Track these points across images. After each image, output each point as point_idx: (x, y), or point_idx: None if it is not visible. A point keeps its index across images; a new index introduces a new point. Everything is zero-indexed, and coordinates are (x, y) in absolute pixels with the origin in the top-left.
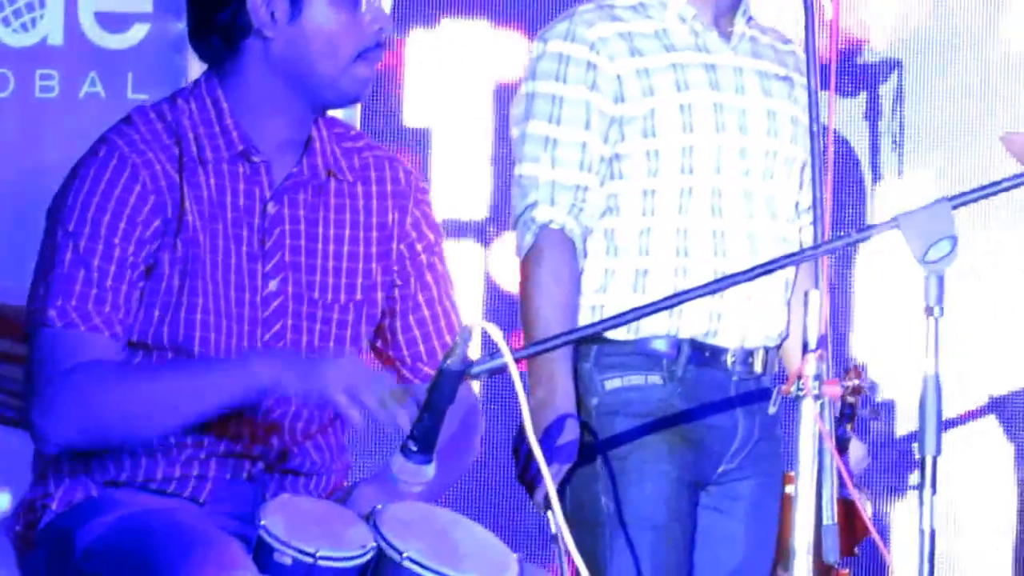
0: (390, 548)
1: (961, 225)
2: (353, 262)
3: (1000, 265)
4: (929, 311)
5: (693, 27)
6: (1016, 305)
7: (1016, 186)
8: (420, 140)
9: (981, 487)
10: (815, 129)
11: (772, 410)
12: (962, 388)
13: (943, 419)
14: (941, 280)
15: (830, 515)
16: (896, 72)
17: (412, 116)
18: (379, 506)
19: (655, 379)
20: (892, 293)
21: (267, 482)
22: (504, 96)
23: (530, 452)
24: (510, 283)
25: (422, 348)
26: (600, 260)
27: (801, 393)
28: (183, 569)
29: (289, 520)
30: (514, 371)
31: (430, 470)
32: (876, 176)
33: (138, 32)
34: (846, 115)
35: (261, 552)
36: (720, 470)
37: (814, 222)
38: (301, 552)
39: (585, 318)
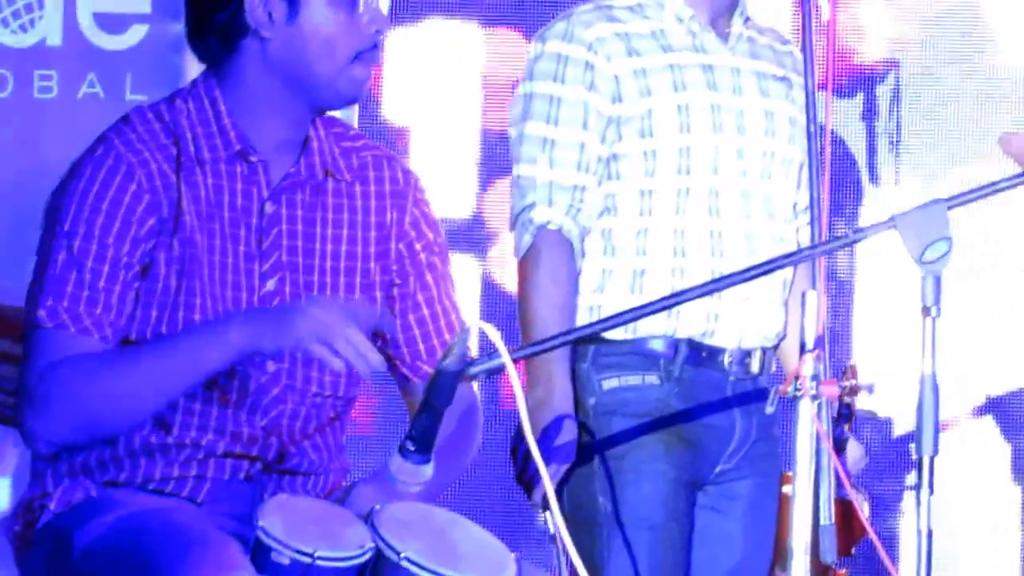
0: (388, 548)
1: (960, 226)
2: (351, 262)
3: (999, 266)
4: (926, 311)
5: (690, 27)
6: (1014, 306)
7: (1013, 187)
8: (399, 138)
9: (979, 487)
10: (812, 129)
11: (770, 410)
12: (960, 389)
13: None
14: (938, 280)
15: (827, 515)
16: (893, 73)
17: (392, 113)
18: (377, 506)
19: (652, 379)
20: (891, 293)
21: (265, 482)
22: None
23: (528, 452)
24: (499, 284)
25: (422, 347)
26: (597, 260)
27: (798, 393)
28: (181, 569)
29: (287, 520)
30: (512, 371)
31: (428, 470)
32: (873, 177)
33: (136, 33)
34: (843, 116)
35: (259, 552)
36: (717, 470)
37: (811, 222)
38: (299, 552)
39: (583, 318)
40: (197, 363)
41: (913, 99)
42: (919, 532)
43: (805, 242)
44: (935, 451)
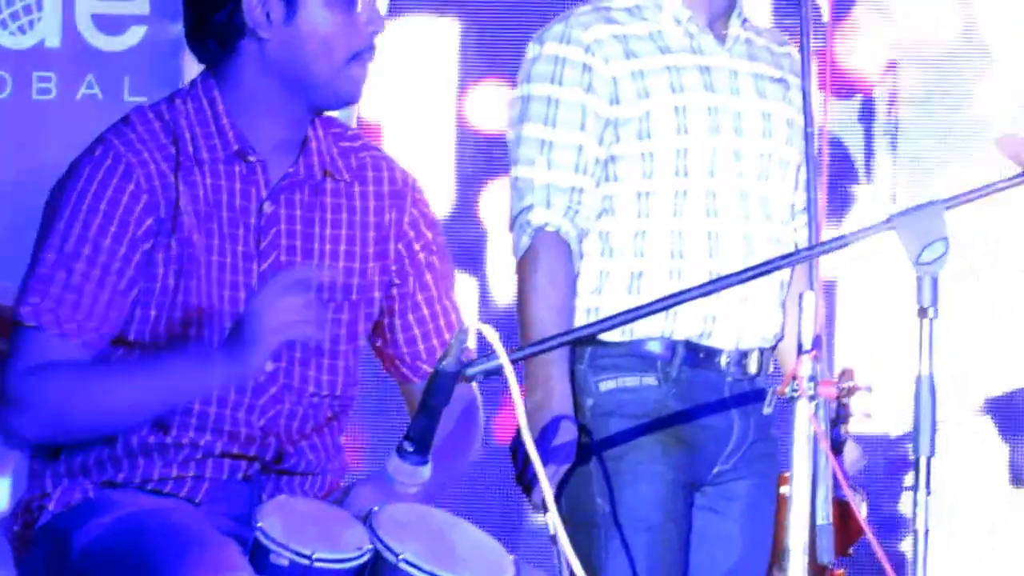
0: (386, 550)
1: (958, 227)
2: (349, 262)
3: (997, 267)
4: (923, 312)
5: (688, 29)
6: (1012, 307)
7: (1011, 187)
8: (371, 135)
9: (975, 488)
10: (810, 131)
11: (767, 411)
12: (957, 390)
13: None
14: (935, 281)
15: (825, 515)
16: (891, 74)
17: (365, 110)
18: (376, 508)
19: (649, 380)
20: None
21: (263, 482)
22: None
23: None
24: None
25: (421, 347)
26: (595, 262)
27: (796, 394)
28: (179, 570)
29: (286, 521)
30: (510, 372)
31: (426, 471)
32: (870, 178)
33: (135, 34)
34: (840, 117)
35: (257, 553)
36: (715, 471)
37: (808, 223)
38: (297, 554)
39: (581, 320)
40: (176, 390)
41: (911, 100)
42: (915, 532)
43: (803, 243)
44: (932, 452)
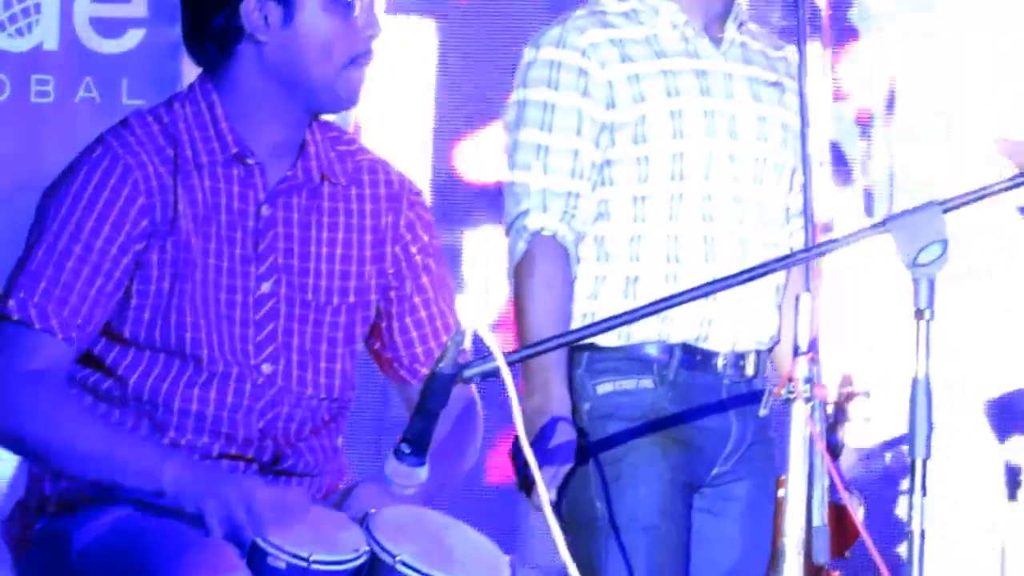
0: (383, 552)
1: (957, 229)
2: (346, 265)
3: (995, 269)
4: (919, 314)
5: (684, 33)
6: (1009, 309)
7: (1008, 189)
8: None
9: (973, 490)
10: (807, 132)
11: (763, 412)
12: (952, 392)
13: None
14: (932, 283)
15: (820, 516)
16: (888, 75)
17: None
18: (372, 510)
19: (646, 383)
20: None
21: None
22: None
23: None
24: None
25: (419, 350)
26: (591, 266)
27: (792, 396)
28: (177, 571)
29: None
30: (506, 374)
31: (423, 472)
32: (868, 180)
33: (133, 37)
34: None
35: (255, 556)
36: (714, 472)
37: (804, 226)
38: (295, 556)
39: (577, 325)
40: (129, 473)
41: (908, 102)
42: (910, 533)
43: (798, 247)
44: (928, 454)
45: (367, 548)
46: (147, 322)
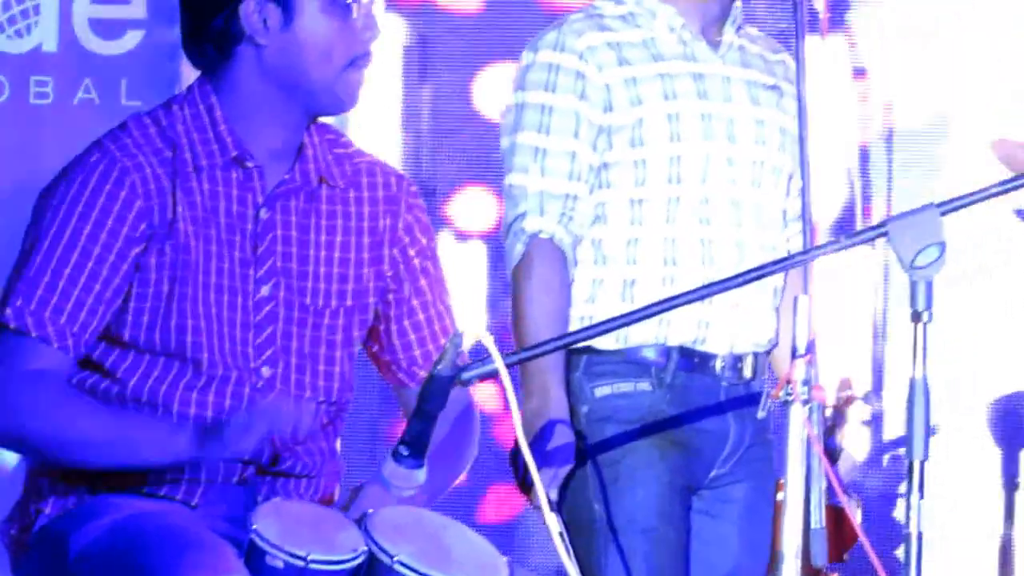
0: (381, 552)
1: (956, 231)
2: (344, 268)
3: (995, 270)
4: (917, 316)
5: (682, 36)
6: (1008, 311)
7: (1005, 192)
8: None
9: (973, 492)
10: (805, 136)
11: (761, 414)
12: (951, 394)
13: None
14: (930, 285)
15: (818, 519)
16: (886, 76)
17: None
18: (370, 510)
19: (644, 386)
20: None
21: (259, 485)
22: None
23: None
24: None
25: (417, 352)
26: (588, 270)
27: (790, 398)
28: (176, 572)
29: (281, 524)
30: (505, 376)
31: (421, 475)
32: (865, 182)
33: (132, 39)
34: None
35: (253, 556)
36: (712, 475)
37: (802, 228)
38: (292, 556)
39: (575, 328)
40: (148, 452)
41: (906, 104)
42: (908, 535)
43: (797, 250)
44: (926, 456)
45: (365, 548)
46: (146, 325)
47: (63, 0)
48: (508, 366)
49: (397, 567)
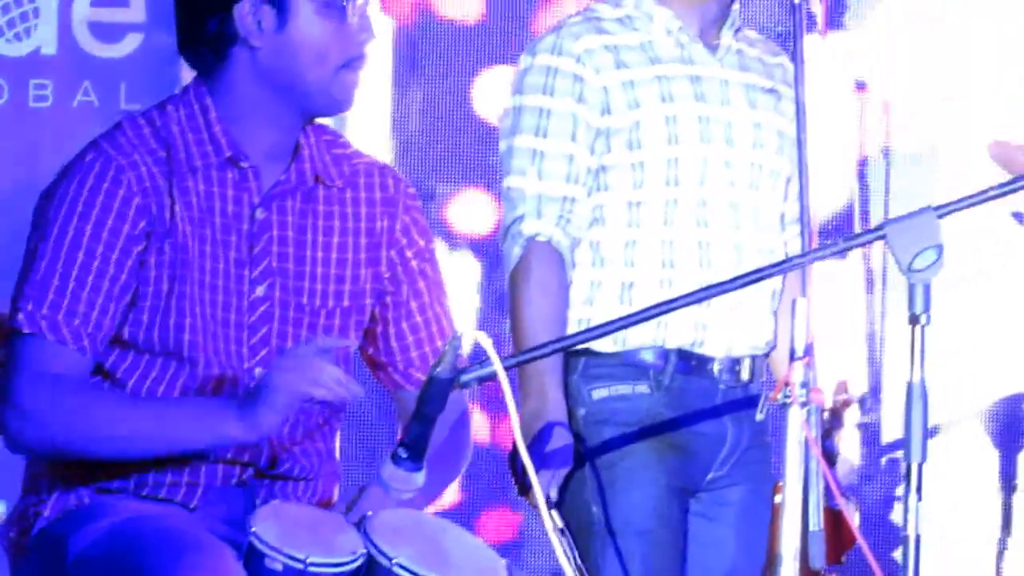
0: (380, 554)
1: (955, 232)
2: (341, 268)
3: (994, 273)
4: (914, 319)
5: (679, 39)
6: (1007, 313)
7: (1003, 195)
8: None
9: (972, 495)
10: (803, 139)
11: (759, 417)
12: (948, 396)
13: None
14: (927, 288)
15: (816, 521)
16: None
17: None
18: (369, 512)
19: (642, 388)
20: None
21: (257, 487)
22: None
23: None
24: None
25: (414, 354)
26: (586, 272)
27: (788, 400)
28: (175, 575)
29: (280, 526)
30: (503, 379)
31: (420, 477)
32: (863, 185)
33: (131, 42)
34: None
35: (252, 558)
36: (709, 477)
37: (801, 231)
38: (291, 558)
39: (573, 331)
40: (177, 443)
41: (904, 106)
42: (906, 538)
43: (795, 253)
44: (923, 458)
45: (364, 551)
46: (146, 324)
47: (63, 3)
48: (506, 368)
49: (396, 569)
